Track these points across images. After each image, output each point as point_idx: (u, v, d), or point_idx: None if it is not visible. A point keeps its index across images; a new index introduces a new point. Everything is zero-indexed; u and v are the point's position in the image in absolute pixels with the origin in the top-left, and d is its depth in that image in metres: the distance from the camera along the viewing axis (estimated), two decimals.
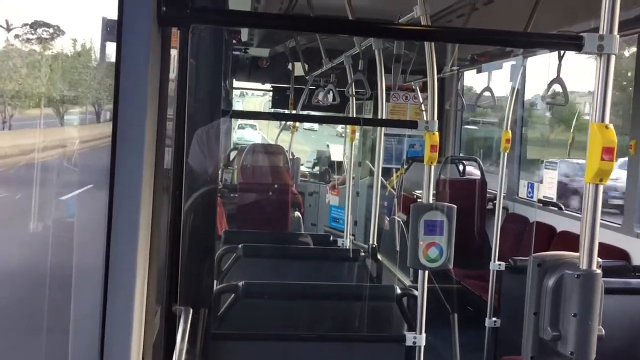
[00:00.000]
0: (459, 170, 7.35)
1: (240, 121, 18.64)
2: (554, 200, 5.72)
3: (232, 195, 6.13)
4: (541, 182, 5.95)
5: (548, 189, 5.87)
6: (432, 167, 2.84)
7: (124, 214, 1.27)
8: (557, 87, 3.93)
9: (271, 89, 9.40)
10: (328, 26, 1.73)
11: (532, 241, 5.05)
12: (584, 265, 1.56)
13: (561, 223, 5.47)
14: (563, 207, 5.56)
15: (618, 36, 1.49)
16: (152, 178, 1.36)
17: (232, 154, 7.86)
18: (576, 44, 1.47)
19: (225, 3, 3.06)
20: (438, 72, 6.55)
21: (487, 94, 5.46)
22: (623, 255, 4.47)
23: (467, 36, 1.71)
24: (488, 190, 6.45)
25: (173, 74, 1.79)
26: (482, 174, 6.62)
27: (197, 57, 2.45)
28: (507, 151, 4.70)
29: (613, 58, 1.49)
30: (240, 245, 3.76)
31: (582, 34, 1.47)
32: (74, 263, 1.63)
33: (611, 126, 1.50)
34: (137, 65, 1.27)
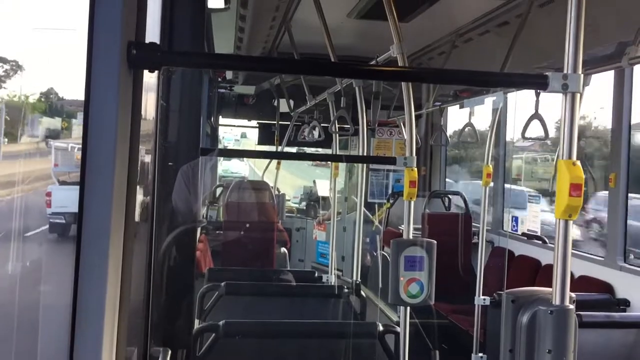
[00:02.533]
0: (444, 204, 7.38)
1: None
2: (538, 233, 5.74)
3: (217, 232, 6.10)
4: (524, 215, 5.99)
5: (532, 222, 5.90)
6: (412, 203, 2.85)
7: (92, 257, 1.26)
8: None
9: (257, 125, 9.46)
10: (308, 68, 1.76)
11: (505, 275, 5.05)
12: (557, 301, 1.56)
13: (545, 256, 5.48)
14: (547, 240, 5.57)
15: (582, 75, 1.53)
16: (122, 218, 1.36)
17: (218, 191, 7.86)
18: (541, 83, 1.50)
19: (209, 43, 3.11)
20: (421, 108, 6.66)
21: (469, 129, 5.52)
22: (607, 288, 4.47)
23: (440, 77, 1.75)
24: (473, 224, 6.47)
25: (152, 113, 1.80)
26: (466, 207, 6.65)
27: (177, 95, 2.47)
28: (488, 185, 4.73)
29: (578, 96, 1.52)
30: (222, 284, 3.72)
31: (547, 73, 1.50)
32: (40, 302, 1.62)
33: (578, 163, 1.52)
34: (106, 106, 1.28)
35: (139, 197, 1.63)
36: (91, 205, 1.26)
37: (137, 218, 1.55)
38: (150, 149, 1.96)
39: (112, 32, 1.25)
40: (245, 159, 21.35)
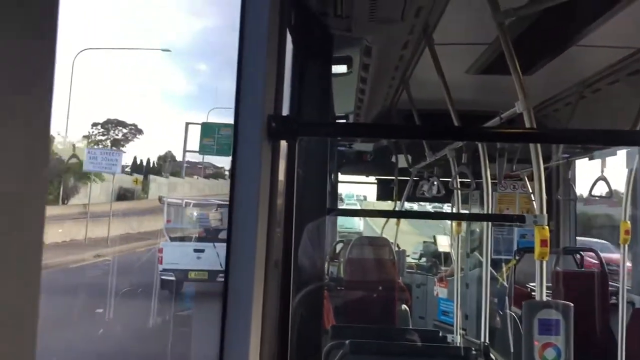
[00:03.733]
0: (576, 262, 6.94)
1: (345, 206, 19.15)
2: None
3: (338, 288, 6.14)
4: None
5: None
6: (545, 263, 2.73)
7: (236, 312, 1.34)
8: None
9: (375, 181, 9.54)
10: (430, 134, 1.79)
11: None
12: None
13: None
14: None
15: None
16: (262, 275, 1.44)
17: (338, 247, 7.94)
18: None
19: (330, 108, 3.24)
20: (546, 161, 6.41)
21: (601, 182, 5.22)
22: None
23: (570, 137, 1.70)
24: (610, 283, 6.01)
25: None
26: (601, 265, 6.21)
27: (305, 160, 2.59)
28: (627, 243, 4.41)
29: None
30: (347, 342, 3.73)
31: None
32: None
33: None
34: (249, 174, 1.38)
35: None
36: (237, 262, 1.35)
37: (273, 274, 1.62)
38: (281, 210, 2.06)
39: (255, 108, 1.37)
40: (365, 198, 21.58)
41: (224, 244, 1.41)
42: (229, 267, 1.38)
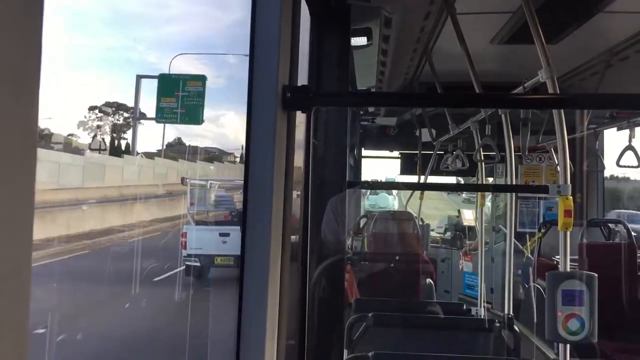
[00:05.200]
0: (603, 234, 6.84)
1: None
2: None
3: (362, 262, 6.16)
4: None
5: None
6: (568, 233, 2.70)
7: (254, 286, 1.35)
8: None
9: (399, 155, 9.48)
10: (453, 101, 1.76)
11: None
12: None
13: None
14: None
15: None
16: (279, 248, 1.44)
17: (362, 222, 7.95)
18: None
19: (351, 81, 3.21)
20: (573, 132, 6.30)
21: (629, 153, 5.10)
22: None
23: (598, 102, 1.65)
24: (639, 254, 5.92)
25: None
26: (630, 237, 6.11)
27: (323, 132, 2.57)
28: None
29: None
30: (370, 314, 3.75)
31: None
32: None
33: None
34: (265, 145, 1.38)
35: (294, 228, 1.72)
36: (253, 236, 1.35)
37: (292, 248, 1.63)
38: (300, 183, 2.06)
39: (270, 78, 1.36)
40: (394, 192, 21.15)
41: None
42: (245, 240, 1.38)
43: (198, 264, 12.14)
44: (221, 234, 12.51)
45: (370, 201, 19.65)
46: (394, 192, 21.14)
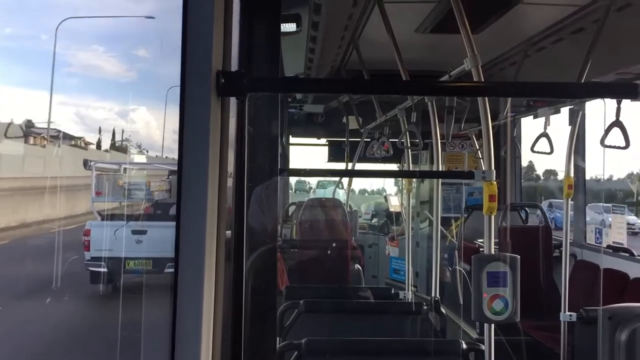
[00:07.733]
0: (521, 218, 7.17)
1: (320, 179, 18.21)
2: (625, 245, 5.48)
3: (292, 250, 6.17)
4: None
5: (617, 235, 5.64)
6: (492, 217, 2.80)
7: (189, 275, 1.31)
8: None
9: (326, 143, 9.54)
10: (380, 87, 1.78)
11: (600, 290, 4.83)
12: None
13: (634, 270, 5.21)
14: (635, 252, 5.31)
15: None
16: (214, 238, 1.41)
17: (291, 209, 7.95)
18: (631, 93, 1.45)
19: (280, 64, 3.18)
20: (493, 120, 6.53)
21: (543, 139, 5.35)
22: None
23: (518, 90, 1.72)
24: (554, 237, 6.25)
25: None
26: (545, 220, 6.43)
27: (254, 119, 2.54)
28: (570, 197, 4.57)
29: None
30: (301, 301, 3.76)
31: (637, 82, 1.45)
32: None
33: None
34: (198, 132, 1.34)
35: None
36: (187, 226, 1.31)
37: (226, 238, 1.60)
38: (231, 172, 2.02)
39: (203, 63, 1.31)
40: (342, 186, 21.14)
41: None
42: (180, 231, 1.34)
43: (104, 270, 10.01)
44: (134, 232, 10.41)
45: (318, 195, 19.53)
46: (344, 185, 21.30)
